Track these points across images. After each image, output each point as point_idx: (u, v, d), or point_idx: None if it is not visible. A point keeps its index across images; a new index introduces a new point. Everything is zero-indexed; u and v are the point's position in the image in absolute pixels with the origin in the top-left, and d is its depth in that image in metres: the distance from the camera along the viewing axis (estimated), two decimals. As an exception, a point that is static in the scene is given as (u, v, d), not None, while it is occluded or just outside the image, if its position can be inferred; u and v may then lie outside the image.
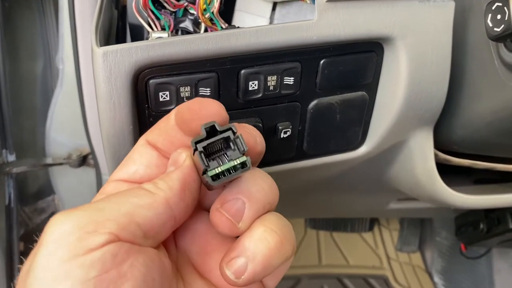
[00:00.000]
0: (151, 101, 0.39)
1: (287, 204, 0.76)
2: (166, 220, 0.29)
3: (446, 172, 0.58)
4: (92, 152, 0.89)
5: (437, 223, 1.37)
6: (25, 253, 1.13)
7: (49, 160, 0.94)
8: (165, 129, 0.32)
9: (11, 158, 0.92)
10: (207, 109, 0.32)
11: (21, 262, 0.96)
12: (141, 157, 0.32)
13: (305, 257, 1.43)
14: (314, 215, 1.37)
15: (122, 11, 0.57)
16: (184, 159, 0.30)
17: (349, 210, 0.97)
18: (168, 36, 0.41)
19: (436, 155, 0.55)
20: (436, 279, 1.38)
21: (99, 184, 0.98)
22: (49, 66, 0.94)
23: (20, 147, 0.94)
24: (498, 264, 1.24)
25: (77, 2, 0.72)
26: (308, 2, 0.56)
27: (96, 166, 0.92)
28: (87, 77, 0.78)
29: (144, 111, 0.40)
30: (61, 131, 0.95)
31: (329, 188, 0.66)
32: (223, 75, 0.40)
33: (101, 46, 0.36)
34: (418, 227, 1.45)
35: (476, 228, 0.94)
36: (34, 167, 0.94)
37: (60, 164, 0.94)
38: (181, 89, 0.39)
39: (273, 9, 0.56)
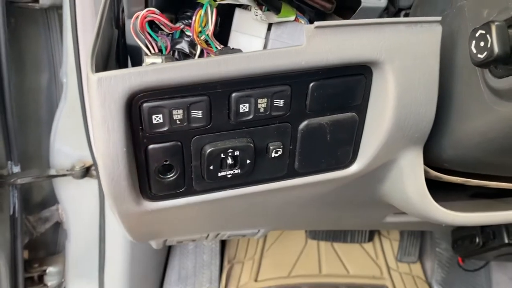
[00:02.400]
0: (145, 124, 0.41)
1: (283, 218, 0.77)
2: None
3: (442, 187, 0.59)
4: (95, 163, 0.90)
5: (438, 234, 1.38)
6: (29, 261, 1.15)
7: (53, 172, 0.96)
8: None
9: (16, 169, 0.94)
10: None
11: (25, 270, 0.99)
12: None
13: (305, 266, 1.44)
14: (311, 228, 1.38)
15: (123, 29, 0.58)
16: None
17: (346, 223, 0.98)
18: (162, 61, 0.43)
19: (427, 172, 0.56)
20: (437, 289, 1.38)
21: (102, 195, 1.00)
22: (54, 79, 0.96)
23: (24, 158, 0.97)
24: (497, 277, 1.24)
25: (80, 19, 0.74)
26: (303, 22, 0.58)
27: (99, 177, 0.94)
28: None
29: (138, 133, 0.41)
30: (65, 143, 0.97)
31: (323, 204, 0.67)
32: (214, 98, 0.42)
33: (97, 70, 0.38)
34: (419, 237, 1.45)
35: (472, 242, 0.94)
36: (38, 178, 0.95)
37: (64, 175, 0.95)
38: (174, 112, 0.41)
39: (268, 29, 0.57)
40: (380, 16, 0.57)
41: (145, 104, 0.40)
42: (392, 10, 0.60)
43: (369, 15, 0.53)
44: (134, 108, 0.40)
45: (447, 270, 1.37)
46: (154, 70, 0.38)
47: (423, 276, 1.43)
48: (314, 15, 0.60)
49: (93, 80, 0.36)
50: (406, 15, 0.61)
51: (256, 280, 1.40)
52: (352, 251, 1.47)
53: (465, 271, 1.24)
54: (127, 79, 0.37)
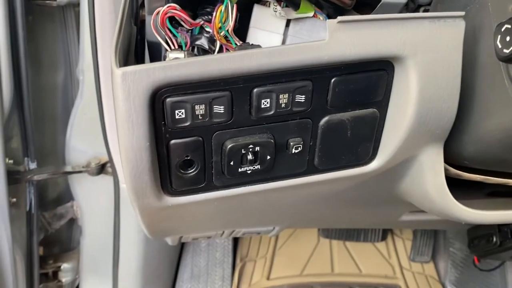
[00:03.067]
0: (168, 119, 0.41)
1: (299, 215, 0.77)
2: None
3: (459, 185, 0.59)
4: (111, 160, 0.91)
5: (451, 234, 1.37)
6: (44, 257, 1.16)
7: (68, 168, 0.97)
8: None
9: (33, 165, 0.95)
10: None
11: (41, 266, 1.00)
12: None
13: (318, 265, 1.44)
14: (326, 226, 1.37)
15: (141, 26, 0.59)
16: None
17: (362, 221, 0.98)
18: (185, 56, 0.43)
19: (447, 170, 0.56)
20: (450, 289, 1.37)
21: (117, 192, 1.01)
22: (70, 77, 0.97)
23: (41, 155, 0.98)
24: (513, 277, 1.23)
25: (98, 17, 0.74)
26: (321, 19, 0.58)
27: (114, 174, 0.94)
28: (107, 88, 0.81)
29: (161, 128, 0.41)
30: (81, 140, 0.98)
31: (340, 201, 0.67)
32: (236, 93, 0.42)
33: (120, 66, 0.38)
34: (432, 237, 1.44)
35: (489, 241, 0.93)
36: (54, 175, 0.96)
37: (79, 172, 0.96)
38: (196, 107, 0.41)
39: (287, 25, 0.57)
40: (400, 12, 0.57)
41: (168, 99, 0.40)
42: (412, 6, 0.60)
43: (389, 11, 0.53)
44: (157, 103, 0.40)
45: (460, 270, 1.36)
46: (178, 65, 0.38)
47: (436, 276, 1.42)
48: (333, 10, 0.59)
49: (118, 74, 0.36)
50: (426, 11, 0.61)
51: (268, 278, 1.40)
52: (364, 250, 1.47)
53: (479, 271, 1.23)
54: (151, 73, 0.37)
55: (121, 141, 0.40)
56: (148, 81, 0.37)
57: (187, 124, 0.42)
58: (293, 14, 0.56)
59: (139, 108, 0.38)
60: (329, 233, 1.47)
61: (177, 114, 0.41)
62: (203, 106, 0.41)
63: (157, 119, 0.41)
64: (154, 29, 0.50)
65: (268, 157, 0.47)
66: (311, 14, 0.56)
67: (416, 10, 0.61)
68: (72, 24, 0.92)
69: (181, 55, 0.43)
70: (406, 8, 0.59)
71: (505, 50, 0.39)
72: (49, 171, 0.96)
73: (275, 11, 0.56)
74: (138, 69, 0.37)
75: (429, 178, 0.54)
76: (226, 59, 0.39)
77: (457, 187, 0.59)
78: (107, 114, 0.85)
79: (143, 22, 0.58)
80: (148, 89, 0.38)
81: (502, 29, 0.39)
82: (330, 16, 0.58)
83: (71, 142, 0.98)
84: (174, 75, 0.38)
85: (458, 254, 1.38)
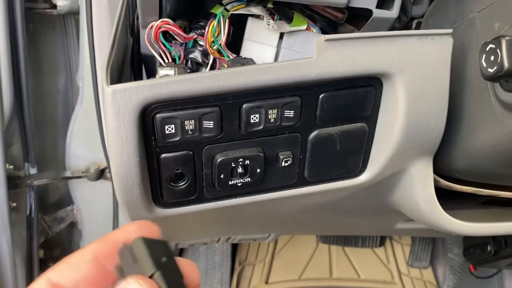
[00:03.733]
0: (158, 134, 0.42)
1: (293, 223, 0.78)
2: None
3: (454, 194, 0.59)
4: (109, 166, 0.92)
5: (450, 240, 1.37)
6: (44, 260, 1.18)
7: (68, 173, 0.98)
8: (77, 264, 0.29)
9: (33, 171, 0.96)
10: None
11: (41, 268, 1.01)
12: None
13: (316, 269, 1.44)
14: (322, 233, 1.38)
15: (137, 36, 0.59)
16: None
17: (357, 229, 0.98)
18: (175, 73, 0.43)
19: (437, 182, 0.56)
20: (448, 295, 1.37)
21: (115, 197, 1.02)
22: (70, 83, 0.98)
23: (41, 160, 0.99)
24: (510, 284, 1.23)
25: (95, 25, 0.75)
26: (315, 31, 0.58)
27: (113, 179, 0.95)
28: (105, 95, 0.82)
29: (151, 142, 0.42)
30: (81, 145, 0.99)
31: (333, 211, 0.68)
32: (225, 109, 0.42)
33: (113, 79, 0.39)
34: (430, 243, 1.44)
35: (483, 250, 0.94)
36: (54, 180, 0.98)
37: (79, 177, 0.97)
38: (186, 122, 0.42)
39: (280, 38, 0.58)
40: (392, 26, 0.57)
41: (158, 115, 0.41)
42: (404, 19, 0.60)
43: (381, 25, 0.54)
44: (147, 118, 0.41)
45: (459, 276, 1.36)
46: (167, 82, 0.38)
47: (434, 281, 1.43)
48: (326, 24, 0.60)
49: (108, 92, 0.37)
50: (418, 24, 0.61)
51: (266, 283, 1.41)
52: (363, 255, 1.47)
53: (477, 278, 1.23)
54: (141, 91, 0.38)
55: (111, 156, 0.40)
56: (137, 98, 0.38)
57: (177, 139, 0.43)
58: (287, 27, 0.57)
59: (129, 125, 0.39)
60: (328, 239, 1.48)
61: (167, 129, 0.41)
62: (192, 122, 0.42)
63: (147, 134, 0.42)
64: (148, 43, 0.51)
65: (258, 170, 0.48)
66: (304, 27, 0.57)
67: (408, 23, 0.61)
68: (73, 32, 0.94)
69: (171, 72, 0.44)
70: (398, 21, 0.59)
71: (489, 69, 0.40)
72: (49, 176, 0.98)
73: (268, 24, 0.57)
74: (128, 87, 0.37)
75: (419, 190, 0.54)
76: (215, 76, 0.40)
77: (451, 196, 0.59)
78: (105, 127, 0.85)
79: (139, 32, 0.59)
80: (138, 106, 0.38)
81: (487, 49, 0.40)
82: (323, 29, 0.59)
83: (71, 147, 0.99)
84: (163, 92, 0.39)
85: (457, 260, 1.38)
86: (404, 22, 0.60)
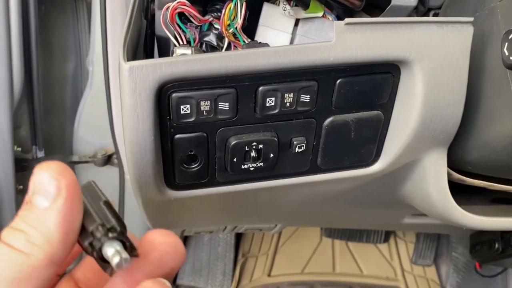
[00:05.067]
0: (173, 114, 0.41)
1: (301, 213, 0.78)
2: (49, 280, 0.24)
3: (463, 190, 0.59)
4: (117, 152, 0.92)
5: (454, 238, 1.36)
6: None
7: (75, 158, 0.98)
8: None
9: (40, 154, 0.96)
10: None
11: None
12: None
13: (319, 264, 1.44)
14: (328, 225, 1.37)
15: (151, 20, 0.59)
16: (58, 188, 0.24)
17: (364, 222, 0.98)
18: (192, 52, 0.43)
19: (450, 175, 0.56)
20: (450, 293, 1.37)
21: (122, 183, 1.01)
22: (80, 67, 0.98)
23: (49, 144, 0.99)
24: (515, 284, 1.22)
25: (109, 9, 0.75)
26: (330, 19, 0.58)
27: (120, 165, 0.95)
28: (115, 80, 0.81)
29: (166, 122, 0.42)
30: (88, 131, 0.99)
31: (343, 201, 0.67)
32: (241, 91, 0.42)
33: (128, 60, 0.38)
34: (435, 241, 1.44)
35: (491, 248, 0.93)
36: (61, 164, 0.97)
37: (86, 162, 0.97)
38: (201, 103, 0.41)
39: (296, 24, 0.57)
40: (409, 15, 0.57)
41: (174, 94, 0.40)
42: (422, 9, 0.59)
43: (399, 14, 0.53)
44: (163, 97, 0.40)
45: (462, 275, 1.36)
46: (185, 61, 0.38)
47: (437, 280, 1.42)
48: (342, 12, 0.59)
49: (125, 68, 0.37)
50: (436, 15, 0.61)
51: (269, 275, 1.41)
52: (367, 251, 1.47)
53: (481, 277, 1.23)
54: (158, 68, 0.37)
55: (126, 134, 0.40)
56: (154, 76, 0.38)
57: (192, 119, 0.42)
58: (302, 14, 0.56)
59: (145, 102, 0.38)
60: (332, 233, 1.47)
61: (183, 109, 0.41)
62: (208, 102, 0.41)
63: (162, 114, 0.41)
64: (164, 24, 0.51)
65: (271, 155, 0.47)
66: (320, 14, 0.57)
67: (426, 13, 0.61)
68: (84, 15, 0.93)
69: (188, 51, 0.43)
70: (415, 11, 0.59)
71: (511, 58, 0.39)
72: (56, 160, 0.97)
73: (284, 10, 0.56)
74: (145, 63, 0.37)
75: (432, 182, 0.54)
76: (233, 56, 0.39)
77: (460, 192, 0.59)
78: (114, 106, 0.85)
79: (153, 16, 0.58)
80: (155, 83, 0.38)
81: (510, 37, 0.39)
82: (339, 17, 0.59)
83: (79, 132, 0.99)
84: (180, 71, 0.38)
85: (461, 259, 1.38)
86: (422, 12, 0.60)
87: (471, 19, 0.43)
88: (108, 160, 0.98)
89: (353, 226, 1.31)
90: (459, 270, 1.37)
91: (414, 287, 1.39)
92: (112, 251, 0.25)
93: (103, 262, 0.25)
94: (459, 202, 0.57)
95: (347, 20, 0.41)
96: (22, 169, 0.92)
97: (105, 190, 0.89)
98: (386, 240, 1.48)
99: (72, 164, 1.01)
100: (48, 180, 0.24)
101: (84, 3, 0.92)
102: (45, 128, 0.97)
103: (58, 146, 1.02)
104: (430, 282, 1.41)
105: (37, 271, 0.23)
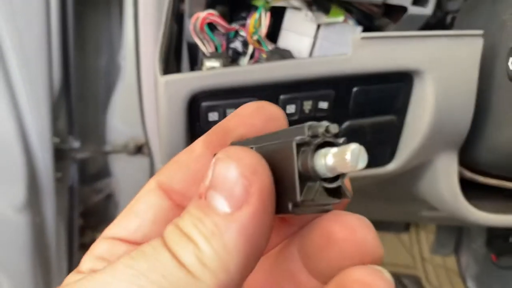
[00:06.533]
0: (202, 120, 0.46)
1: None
2: None
3: (478, 187, 0.62)
4: (147, 143, 0.97)
5: (474, 229, 1.38)
6: (84, 228, 1.25)
7: (109, 147, 1.04)
8: (187, 161, 0.24)
9: (76, 144, 1.02)
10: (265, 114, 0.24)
11: (81, 235, 1.09)
12: (146, 208, 0.24)
13: (340, 251, 1.47)
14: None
15: (181, 23, 0.63)
16: (247, 193, 0.18)
17: (382, 214, 1.01)
18: (220, 64, 0.47)
19: (463, 173, 0.59)
20: (470, 284, 1.38)
21: (152, 172, 1.07)
22: (112, 61, 1.03)
23: (84, 134, 1.05)
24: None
25: (141, 7, 0.79)
26: (351, 23, 0.61)
27: (150, 155, 1.01)
28: (147, 76, 0.86)
29: (195, 127, 0.46)
30: (120, 121, 1.05)
31: (359, 196, 0.71)
32: (264, 99, 0.46)
33: (162, 67, 0.43)
34: (455, 231, 1.45)
35: (506, 241, 0.95)
36: (96, 154, 1.04)
37: (119, 151, 1.03)
38: (228, 111, 0.45)
39: (317, 28, 0.60)
40: (427, 21, 0.59)
41: (203, 103, 0.44)
42: (439, 14, 0.62)
43: (415, 22, 0.56)
44: (194, 106, 0.44)
45: (482, 266, 1.38)
46: (213, 75, 0.42)
47: (457, 269, 1.44)
48: (362, 16, 0.62)
49: (161, 82, 0.41)
50: (453, 18, 0.63)
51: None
52: (386, 239, 1.50)
53: (499, 268, 1.24)
54: (190, 82, 0.42)
55: (162, 138, 0.45)
56: (187, 89, 0.42)
57: (219, 125, 0.46)
58: (324, 19, 0.59)
59: (178, 111, 0.43)
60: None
61: (210, 116, 0.45)
62: (233, 110, 0.46)
63: (192, 119, 0.46)
64: (193, 32, 0.55)
65: (292, 158, 0.51)
66: (341, 19, 0.59)
67: (444, 17, 0.63)
68: (116, 14, 0.98)
69: (216, 63, 0.47)
70: (433, 16, 0.61)
71: (516, 72, 0.42)
72: (91, 149, 1.04)
73: (306, 15, 0.59)
74: (179, 78, 0.41)
75: (443, 182, 0.57)
76: (256, 70, 0.43)
77: (475, 189, 0.62)
78: (146, 99, 0.90)
79: (182, 20, 0.62)
80: (187, 95, 0.42)
81: (516, 52, 0.42)
82: (359, 21, 0.61)
83: (111, 123, 1.05)
84: (210, 83, 0.43)
85: (480, 250, 1.39)
86: (439, 17, 0.62)
87: (481, 32, 0.46)
88: (139, 150, 1.04)
89: (372, 217, 1.34)
90: (478, 260, 1.39)
91: (433, 276, 1.42)
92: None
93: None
94: (473, 199, 0.60)
95: (362, 34, 0.44)
96: (60, 158, 0.98)
97: (136, 177, 0.95)
98: (406, 229, 1.50)
99: (106, 154, 1.07)
100: (235, 177, 0.18)
101: (117, 2, 0.97)
102: (80, 119, 1.03)
103: (92, 136, 1.09)
104: (449, 271, 1.43)
105: None
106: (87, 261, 0.23)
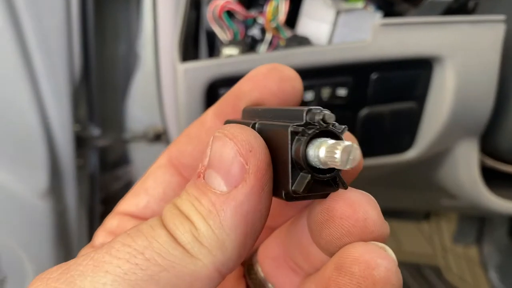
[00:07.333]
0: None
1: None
2: None
3: (500, 176, 0.61)
4: (166, 131, 0.98)
5: (497, 219, 1.36)
6: (105, 214, 1.28)
7: (128, 135, 1.05)
8: (198, 133, 0.24)
9: (96, 132, 1.04)
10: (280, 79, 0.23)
11: (101, 221, 1.11)
12: (156, 185, 0.24)
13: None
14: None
15: (199, 10, 0.63)
16: (244, 172, 0.18)
17: (402, 202, 1.00)
18: (238, 52, 0.47)
19: (484, 161, 0.58)
20: (492, 274, 1.37)
21: (171, 160, 1.08)
22: (131, 50, 1.04)
23: (103, 122, 1.06)
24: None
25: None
26: (370, 10, 0.60)
27: (168, 143, 1.02)
28: (166, 64, 0.87)
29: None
30: (139, 109, 1.06)
31: (380, 184, 0.71)
32: (282, 86, 0.46)
33: (181, 55, 0.43)
34: (477, 220, 1.43)
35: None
36: (116, 141, 1.05)
37: (138, 139, 1.04)
38: (246, 98, 0.46)
39: (337, 14, 0.60)
40: (449, 6, 0.58)
41: (220, 89, 0.45)
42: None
43: (436, 6, 0.55)
44: (212, 93, 0.45)
45: (504, 256, 1.36)
46: (231, 62, 0.42)
47: (478, 259, 1.43)
48: (382, 2, 0.61)
49: (181, 69, 0.42)
50: (476, 4, 0.61)
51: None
52: (407, 228, 1.49)
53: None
54: (208, 69, 0.42)
55: (181, 125, 0.45)
56: (205, 76, 0.42)
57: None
58: (343, 5, 0.59)
59: (197, 97, 0.43)
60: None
61: (229, 103, 0.46)
62: (252, 97, 0.46)
63: (210, 105, 0.46)
64: (212, 20, 0.55)
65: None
66: (361, 5, 0.59)
67: (466, 2, 0.62)
68: (134, 4, 0.99)
69: (234, 51, 0.47)
70: (456, 1, 0.60)
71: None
72: (111, 138, 1.05)
73: (325, 1, 0.59)
74: (198, 66, 0.42)
75: (463, 169, 0.56)
76: (273, 57, 0.43)
77: (498, 177, 0.61)
78: (164, 87, 0.91)
79: (199, 6, 0.62)
80: (205, 82, 0.43)
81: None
82: (380, 7, 0.61)
83: (131, 111, 1.06)
84: (227, 71, 0.43)
85: (503, 240, 1.37)
86: (461, 2, 0.61)
87: (503, 17, 0.45)
88: (158, 138, 1.05)
89: (391, 205, 1.33)
90: (501, 250, 1.37)
91: (453, 266, 1.41)
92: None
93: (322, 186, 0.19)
94: (494, 188, 0.59)
95: (382, 21, 0.44)
96: (81, 146, 1.00)
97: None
98: (426, 217, 1.49)
99: (126, 142, 1.08)
100: (231, 155, 0.18)
101: (136, -10, 0.98)
102: (100, 107, 1.05)
103: (112, 124, 1.10)
104: (471, 261, 1.42)
105: (200, 283, 0.17)
106: (99, 235, 0.24)
